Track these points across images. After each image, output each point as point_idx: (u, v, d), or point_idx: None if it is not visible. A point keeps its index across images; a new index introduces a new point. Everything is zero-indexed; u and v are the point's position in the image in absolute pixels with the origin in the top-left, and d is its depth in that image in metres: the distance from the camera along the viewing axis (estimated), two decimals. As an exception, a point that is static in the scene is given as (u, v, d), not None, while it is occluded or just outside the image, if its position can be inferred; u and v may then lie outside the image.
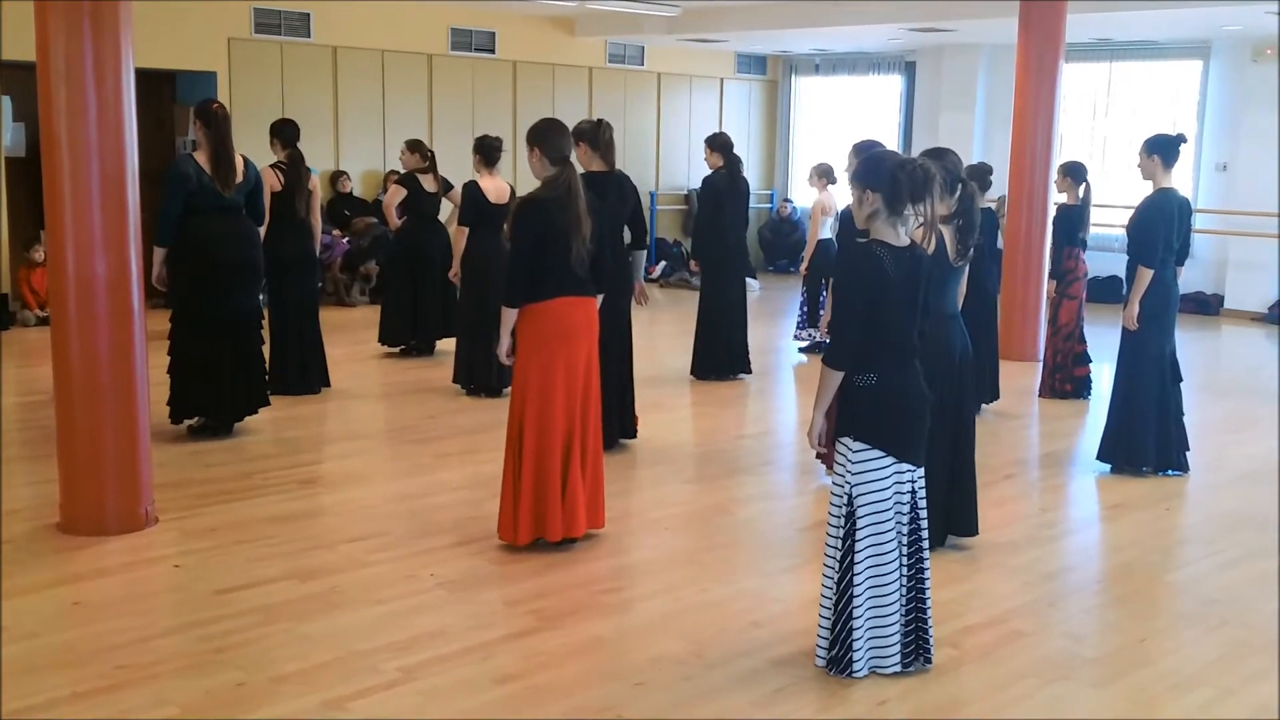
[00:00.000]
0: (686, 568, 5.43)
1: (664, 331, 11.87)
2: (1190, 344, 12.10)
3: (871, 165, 4.24)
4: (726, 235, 9.46)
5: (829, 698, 4.13)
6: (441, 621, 4.72)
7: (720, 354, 9.53)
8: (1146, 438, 6.95)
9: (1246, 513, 6.43)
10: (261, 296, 7.87)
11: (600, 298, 5.65)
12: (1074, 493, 6.89)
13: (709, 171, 9.52)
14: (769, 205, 18.02)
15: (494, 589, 5.07)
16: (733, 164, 9.43)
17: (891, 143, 16.70)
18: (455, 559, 5.40)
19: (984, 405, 8.51)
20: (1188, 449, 7.12)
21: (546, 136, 5.48)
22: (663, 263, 16.43)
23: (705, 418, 8.67)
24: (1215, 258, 14.38)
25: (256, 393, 7.47)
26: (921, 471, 4.32)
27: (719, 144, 9.49)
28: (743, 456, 7.42)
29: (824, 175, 10.39)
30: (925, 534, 4.34)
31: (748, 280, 10.16)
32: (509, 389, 5.88)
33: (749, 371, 9.63)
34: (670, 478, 6.94)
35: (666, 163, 17.20)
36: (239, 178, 7.16)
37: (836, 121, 17.27)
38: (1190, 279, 14.41)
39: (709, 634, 4.64)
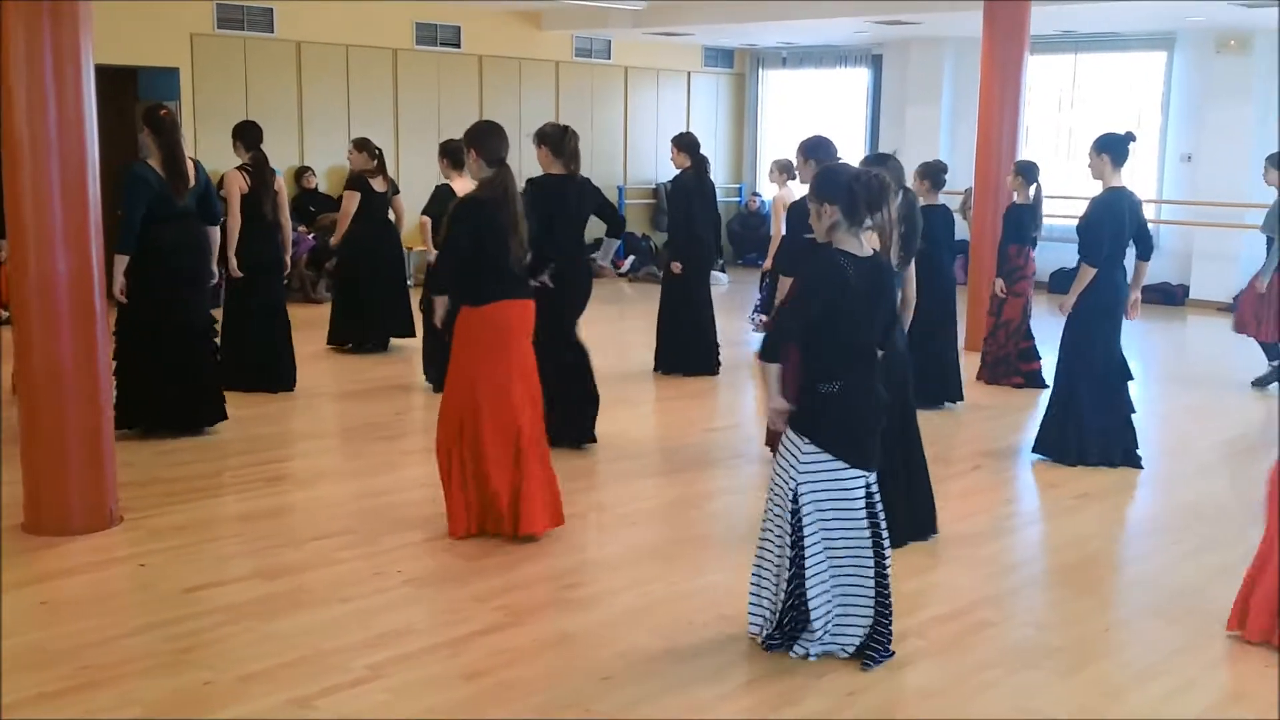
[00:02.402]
0: (655, 562, 5.44)
1: (633, 326, 11.87)
2: (1156, 334, 12.22)
3: (827, 178, 4.32)
4: (698, 233, 9.49)
5: (798, 690, 4.15)
6: (409, 618, 4.71)
7: (682, 349, 9.55)
8: (1089, 434, 7.00)
9: (1210, 503, 6.49)
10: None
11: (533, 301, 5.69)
12: (1038, 484, 6.93)
13: (677, 171, 9.54)
14: (738, 199, 18.05)
15: (462, 585, 5.05)
16: (700, 163, 9.47)
17: (858, 136, 16.82)
18: (423, 556, 5.39)
19: (949, 404, 8.58)
20: (1136, 445, 7.14)
21: (484, 138, 5.52)
22: (631, 257, 16.40)
23: (673, 412, 8.68)
24: (1180, 248, 14.50)
25: (213, 404, 7.42)
26: (874, 476, 4.37)
27: (686, 143, 9.51)
28: (711, 450, 7.43)
29: (784, 170, 10.41)
30: (884, 535, 4.38)
31: (715, 274, 10.18)
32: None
33: (716, 371, 9.64)
34: (639, 472, 6.94)
35: (634, 157, 17.19)
36: (190, 183, 7.11)
37: (804, 115, 17.30)
38: (1155, 270, 14.40)
39: (678, 628, 4.65)
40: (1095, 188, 7.02)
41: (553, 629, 4.65)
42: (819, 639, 4.33)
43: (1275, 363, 9.40)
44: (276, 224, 8.53)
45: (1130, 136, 6.85)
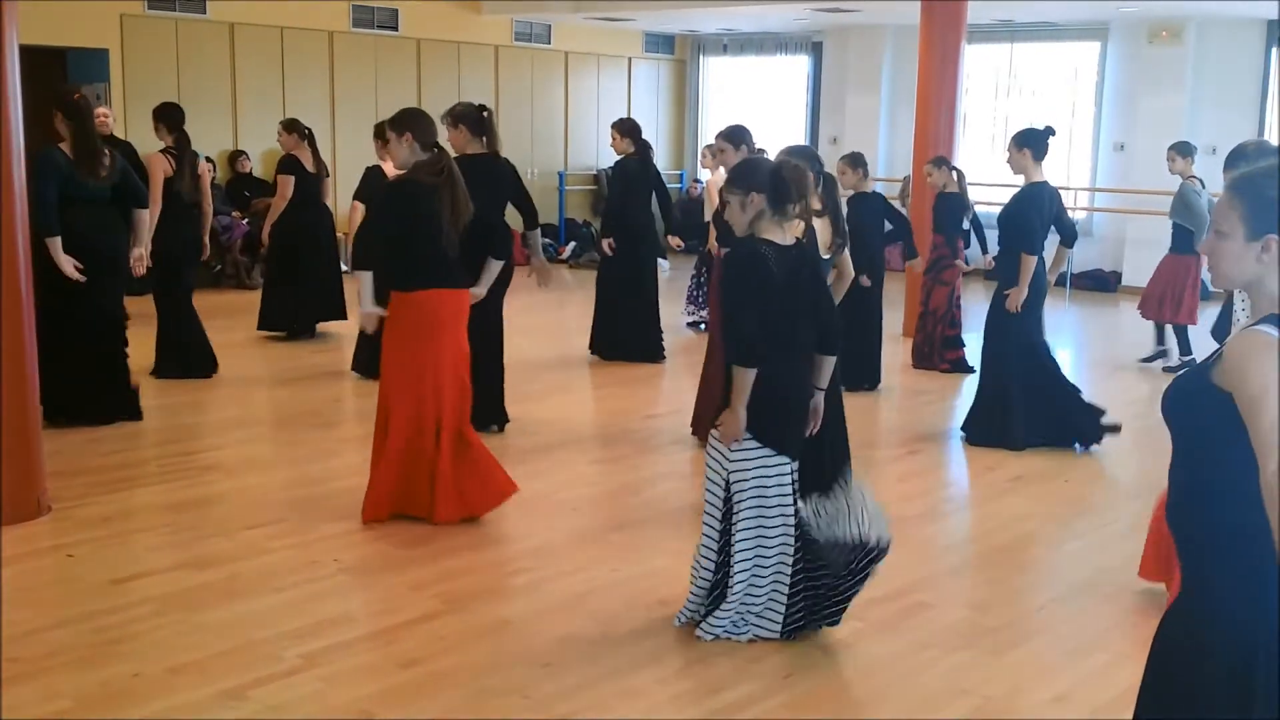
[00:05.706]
0: (594, 548, 5.42)
1: (574, 313, 11.82)
2: (1090, 321, 12.39)
3: (751, 168, 4.34)
4: (638, 219, 9.45)
5: (735, 672, 4.15)
6: (344, 607, 4.66)
7: (624, 335, 9.52)
8: (1014, 418, 7.10)
9: (1141, 483, 6.57)
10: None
11: (473, 288, 5.68)
12: (974, 468, 6.99)
13: (618, 156, 9.49)
14: (679, 185, 18.04)
15: (398, 573, 5.00)
16: (644, 148, 9.45)
17: (798, 123, 16.88)
18: (359, 544, 5.33)
19: (867, 388, 8.64)
20: (1096, 422, 7.22)
21: (420, 122, 5.46)
22: (572, 243, 16.36)
23: (614, 398, 8.66)
24: (1113, 236, 14.68)
25: (123, 399, 7.23)
26: (796, 465, 4.39)
27: (630, 129, 9.47)
28: (651, 436, 7.42)
29: (716, 155, 10.42)
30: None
31: (659, 261, 10.17)
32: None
33: (661, 359, 9.62)
34: (578, 459, 6.92)
35: (575, 143, 17.13)
36: (105, 169, 6.95)
37: (745, 101, 17.32)
38: (1089, 257, 14.70)
39: (617, 614, 4.63)
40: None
41: (491, 616, 4.61)
42: (726, 625, 4.35)
43: (1162, 346, 9.97)
44: (197, 206, 8.42)
45: (1050, 131, 6.93)
